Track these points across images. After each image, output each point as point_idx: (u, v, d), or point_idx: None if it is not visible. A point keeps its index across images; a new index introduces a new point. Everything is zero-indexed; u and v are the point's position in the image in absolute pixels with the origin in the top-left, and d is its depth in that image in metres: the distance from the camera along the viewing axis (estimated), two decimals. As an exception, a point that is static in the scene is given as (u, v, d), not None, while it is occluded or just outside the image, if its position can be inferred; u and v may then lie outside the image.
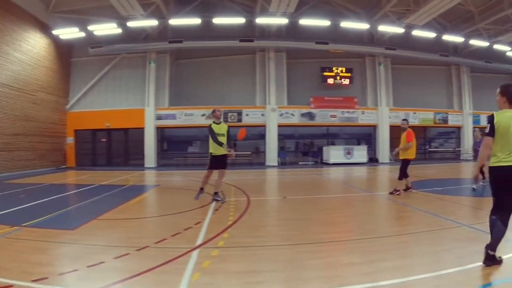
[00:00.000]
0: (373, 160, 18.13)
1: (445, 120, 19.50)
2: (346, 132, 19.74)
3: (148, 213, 5.92)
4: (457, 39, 18.28)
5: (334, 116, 17.46)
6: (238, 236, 3.92)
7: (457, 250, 3.25)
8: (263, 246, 3.57)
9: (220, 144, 5.98)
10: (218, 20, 15.88)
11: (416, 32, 17.11)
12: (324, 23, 16.15)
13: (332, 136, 19.29)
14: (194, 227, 4.24)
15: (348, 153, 16.90)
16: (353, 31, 17.27)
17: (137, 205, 6.44)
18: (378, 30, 17.05)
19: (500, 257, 2.81)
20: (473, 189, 6.90)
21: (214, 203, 5.95)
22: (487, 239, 2.92)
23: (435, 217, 4.75)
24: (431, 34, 17.51)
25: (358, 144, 19.30)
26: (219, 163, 6.20)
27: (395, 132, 17.44)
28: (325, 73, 17.71)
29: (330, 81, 17.70)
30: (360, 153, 17.24)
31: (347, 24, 16.25)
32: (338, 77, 17.79)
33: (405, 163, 6.84)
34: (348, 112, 17.62)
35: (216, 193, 6.29)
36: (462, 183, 8.54)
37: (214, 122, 6.17)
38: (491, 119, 2.77)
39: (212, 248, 3.42)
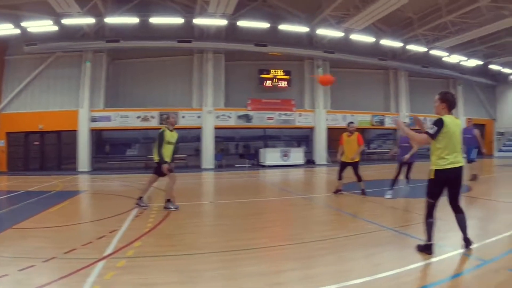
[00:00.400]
0: (310, 162, 18.62)
1: (382, 122, 20.28)
2: (284, 134, 20.24)
3: (65, 221, 5.61)
4: (396, 44, 18.99)
5: (271, 119, 17.71)
6: (150, 245, 3.82)
7: (376, 256, 3.22)
8: (173, 256, 3.41)
9: (161, 156, 5.63)
10: (156, 20, 15.64)
11: (355, 36, 17.60)
12: (263, 25, 16.41)
13: (269, 138, 19.64)
14: (108, 236, 4.08)
15: (285, 155, 17.15)
16: (292, 34, 17.54)
17: (56, 213, 6.16)
18: (318, 33, 17.27)
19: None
20: (390, 189, 6.75)
21: (136, 210, 5.77)
22: (411, 243, 3.15)
23: (362, 220, 4.81)
24: (370, 39, 18.13)
25: (299, 146, 19.35)
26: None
27: (332, 134, 18.41)
28: (263, 76, 17.95)
29: (268, 83, 17.94)
30: (297, 155, 17.54)
31: (286, 27, 16.41)
32: (275, 80, 18.06)
33: (356, 165, 6.88)
34: (285, 114, 17.88)
35: (168, 201, 5.95)
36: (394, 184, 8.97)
37: (167, 128, 5.83)
38: (440, 123, 2.90)
39: (120, 258, 3.31)
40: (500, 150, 24.71)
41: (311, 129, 18.78)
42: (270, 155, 17.05)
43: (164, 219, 5.09)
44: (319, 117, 18.43)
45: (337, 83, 19.50)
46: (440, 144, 2.97)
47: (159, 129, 6.19)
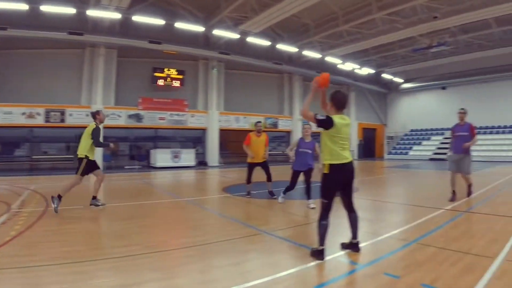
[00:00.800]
0: (202, 163, 24.02)
1: (275, 125, 28.32)
2: (176, 135, 25.82)
3: None
4: (291, 49, 26.37)
5: (162, 119, 22.96)
6: (9, 255, 4.37)
7: (247, 263, 4.07)
8: (26, 268, 3.94)
9: (101, 143, 7.46)
10: (46, 8, 18.69)
11: (252, 39, 23.79)
12: (159, 22, 20.02)
13: (161, 139, 24.93)
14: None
15: (176, 156, 22.04)
16: (188, 33, 22.59)
17: None
18: (214, 34, 22.80)
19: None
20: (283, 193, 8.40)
21: (4, 216, 6.64)
22: (285, 248, 4.34)
23: (241, 224, 6.03)
24: (266, 42, 23.91)
25: (191, 147, 25.19)
26: (93, 166, 7.50)
27: (225, 135, 25.26)
28: (157, 74, 23.12)
29: (161, 82, 23.18)
30: (188, 157, 22.59)
31: (182, 25, 20.72)
32: (169, 79, 23.45)
33: (266, 164, 9.07)
34: (177, 114, 23.42)
35: (95, 198, 7.54)
36: (280, 185, 9.81)
37: (96, 125, 7.43)
38: (330, 120, 4.20)
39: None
40: (390, 153, 36.29)
41: (204, 130, 24.57)
42: (161, 157, 21.60)
43: (31, 226, 5.87)
44: (212, 118, 24.33)
45: (231, 85, 26.72)
46: (330, 142, 4.22)
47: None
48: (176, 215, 7.58)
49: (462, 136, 8.63)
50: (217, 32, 22.13)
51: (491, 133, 33.22)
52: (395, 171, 19.78)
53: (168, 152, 22.63)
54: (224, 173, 14.75)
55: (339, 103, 4.56)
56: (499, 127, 33.17)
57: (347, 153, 4.38)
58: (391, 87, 40.28)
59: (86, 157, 7.42)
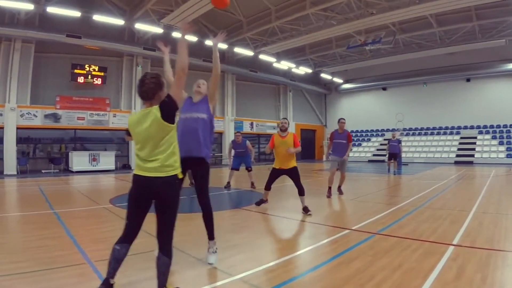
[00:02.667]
0: (126, 166, 25.42)
1: None
2: (100, 137, 26.88)
3: None
4: (221, 45, 27.74)
5: (82, 119, 23.99)
6: None
7: None
8: None
9: None
10: None
11: (177, 35, 23.73)
12: (74, 13, 20.85)
13: (80, 140, 25.95)
14: None
15: (94, 159, 22.74)
16: (111, 28, 23.28)
17: None
18: (138, 28, 24.49)
19: None
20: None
21: None
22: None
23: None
24: (192, 38, 24.97)
25: (114, 150, 26.37)
26: None
27: None
28: (76, 71, 23.99)
29: (81, 79, 24.05)
30: (107, 160, 23.38)
31: (101, 18, 21.81)
32: (90, 76, 24.40)
33: (296, 172, 8.56)
34: (97, 114, 24.58)
35: None
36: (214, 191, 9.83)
37: None
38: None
39: None
40: (330, 154, 42.61)
41: (127, 130, 28.91)
42: (78, 160, 22.22)
43: None
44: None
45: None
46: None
47: None
48: (19, 232, 6.89)
49: (340, 143, 11.09)
50: (140, 26, 23.78)
51: (431, 134, 37.39)
52: (324, 174, 20.43)
53: (86, 155, 23.41)
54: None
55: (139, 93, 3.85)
56: (440, 128, 37.36)
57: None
58: (331, 88, 44.42)
59: None
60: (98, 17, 22.18)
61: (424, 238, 5.78)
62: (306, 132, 40.54)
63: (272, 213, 8.55)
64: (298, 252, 5.38)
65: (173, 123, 3.55)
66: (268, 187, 8.81)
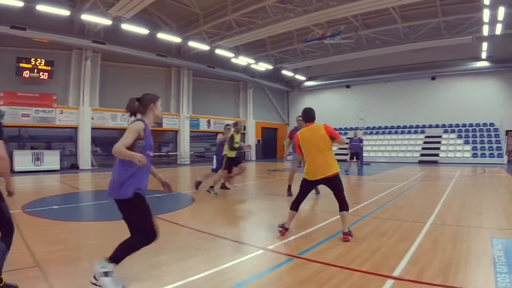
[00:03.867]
0: (73, 166, 25.82)
1: (159, 123, 31.21)
2: (44, 135, 27.20)
3: None
4: (174, 39, 28.43)
5: (27, 116, 24.01)
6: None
7: None
8: None
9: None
10: None
11: (127, 27, 25.03)
12: (17, 3, 20.65)
13: (24, 139, 26.34)
14: None
15: (37, 159, 22.93)
16: (59, 19, 23.36)
17: None
18: (88, 20, 24.96)
19: None
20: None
21: None
22: None
23: None
24: (143, 30, 25.99)
25: (59, 148, 26.75)
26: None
27: (96, 134, 27.61)
28: (22, 65, 24.11)
29: (26, 74, 24.11)
30: (52, 159, 23.59)
31: (45, 8, 21.67)
32: (35, 70, 24.49)
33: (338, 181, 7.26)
34: (43, 111, 24.63)
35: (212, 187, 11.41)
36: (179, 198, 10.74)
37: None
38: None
39: None
40: (290, 154, 43.81)
41: (75, 128, 26.28)
42: (20, 159, 22.35)
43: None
44: (84, 115, 26.06)
45: (108, 79, 30.05)
46: None
47: None
48: None
49: None
50: (86, 17, 23.75)
51: (396, 133, 39.47)
52: (279, 175, 21.15)
53: (28, 154, 23.58)
54: (85, 179, 15.52)
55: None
56: (404, 127, 39.45)
57: None
58: (294, 85, 46.14)
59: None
60: (41, 7, 21.97)
61: (355, 267, 4.85)
62: (267, 130, 42.08)
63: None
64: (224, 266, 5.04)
65: None
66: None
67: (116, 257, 4.16)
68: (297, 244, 6.21)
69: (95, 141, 29.33)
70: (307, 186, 6.71)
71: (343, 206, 6.47)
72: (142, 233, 4.30)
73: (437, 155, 33.54)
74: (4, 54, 25.31)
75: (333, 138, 6.71)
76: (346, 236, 6.28)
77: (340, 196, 6.51)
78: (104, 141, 31.62)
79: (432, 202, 10.33)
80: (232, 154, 12.19)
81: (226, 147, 12.20)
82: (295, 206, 6.65)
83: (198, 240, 6.48)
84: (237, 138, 11.96)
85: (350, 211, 7.33)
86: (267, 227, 7.46)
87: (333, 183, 6.53)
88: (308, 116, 6.92)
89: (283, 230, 6.68)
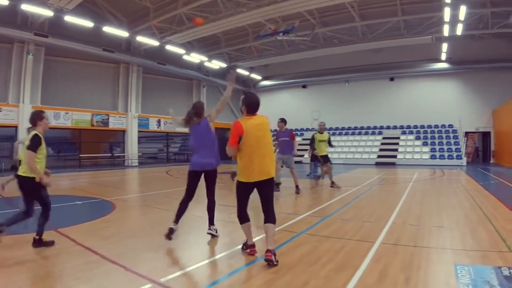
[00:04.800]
0: (14, 168, 28.39)
1: (105, 123, 31.74)
2: None
3: None
4: (121, 33, 28.69)
5: None
6: None
7: None
8: None
9: None
10: None
11: (71, 19, 25.05)
12: None
13: None
14: None
15: None
16: (1, 9, 22.84)
17: None
18: (29, 11, 24.55)
19: None
20: None
21: None
22: None
23: None
24: (87, 23, 26.11)
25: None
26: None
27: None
28: None
29: None
30: None
31: None
32: None
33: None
34: None
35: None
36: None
37: None
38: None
39: None
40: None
41: (15, 127, 25.73)
42: None
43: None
44: (24, 113, 25.29)
45: (52, 74, 29.92)
46: None
47: None
48: None
49: (285, 141, 13.67)
50: (27, 7, 23.33)
51: (353, 134, 40.69)
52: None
53: None
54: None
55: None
56: (361, 128, 40.81)
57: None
58: (250, 85, 46.94)
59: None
60: None
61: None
62: (222, 131, 42.40)
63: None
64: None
65: None
66: None
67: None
68: (201, 275, 5.28)
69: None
70: (246, 190, 5.80)
71: (272, 216, 5.72)
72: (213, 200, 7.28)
73: (394, 156, 34.34)
74: None
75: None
76: (269, 254, 5.32)
77: (271, 205, 5.74)
78: (46, 141, 31.35)
79: (385, 213, 9.28)
80: None
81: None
82: (243, 217, 5.83)
83: (86, 264, 5.48)
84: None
85: (281, 226, 7.37)
86: (183, 249, 6.55)
87: (269, 187, 5.79)
88: (255, 104, 5.98)
89: (250, 249, 5.90)
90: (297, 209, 10.79)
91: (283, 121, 13.95)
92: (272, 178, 5.74)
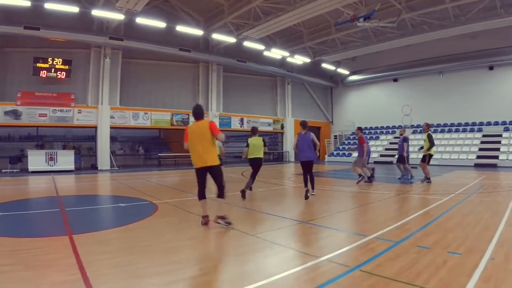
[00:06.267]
0: (93, 167, 26.74)
1: (185, 122, 31.63)
2: (67, 134, 29.06)
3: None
4: (195, 31, 28.92)
5: (44, 115, 25.15)
6: None
7: None
8: None
9: None
10: None
11: (144, 21, 25.88)
12: (24, 3, 21.76)
13: (42, 138, 27.99)
14: None
15: (51, 159, 23.64)
16: (71, 16, 24.16)
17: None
18: (97, 16, 24.79)
19: None
20: None
21: None
22: None
23: None
24: (159, 24, 26.55)
25: (74, 147, 28.17)
26: None
27: (118, 134, 29.17)
28: (39, 65, 25.36)
29: (43, 74, 25.35)
30: (66, 159, 24.34)
31: (54, 6, 22.70)
32: (53, 70, 25.66)
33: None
34: (61, 110, 25.68)
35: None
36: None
37: None
38: None
39: None
40: (331, 155, 40.64)
41: (94, 128, 27.24)
42: (34, 159, 23.22)
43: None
44: (103, 114, 26.88)
45: (131, 76, 30.78)
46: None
47: None
48: None
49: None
50: (97, 13, 24.08)
51: (449, 131, 37.07)
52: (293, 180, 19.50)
53: (42, 154, 24.47)
54: (104, 179, 15.83)
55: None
56: (459, 124, 37.18)
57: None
58: (337, 80, 45.51)
59: None
60: (52, 6, 22.87)
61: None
62: (311, 129, 41.06)
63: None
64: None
65: None
66: None
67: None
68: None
69: (116, 141, 29.71)
70: (197, 173, 8.21)
71: (220, 194, 8.17)
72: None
73: (496, 157, 30.13)
74: (21, 55, 26.80)
75: (213, 134, 8.10)
76: (216, 218, 8.13)
77: (217, 183, 8.19)
78: (127, 140, 32.09)
79: (480, 239, 6.80)
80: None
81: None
82: (201, 195, 8.32)
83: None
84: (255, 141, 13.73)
85: (356, 241, 6.89)
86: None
87: (212, 173, 8.08)
88: (196, 114, 8.42)
89: (205, 219, 8.31)
90: (369, 225, 8.79)
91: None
92: (213, 165, 8.03)
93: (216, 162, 8.09)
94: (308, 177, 12.38)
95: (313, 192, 12.55)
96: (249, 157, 13.54)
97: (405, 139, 18.70)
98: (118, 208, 10.94)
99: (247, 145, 13.75)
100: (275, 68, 37.83)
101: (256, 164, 13.35)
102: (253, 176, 13.32)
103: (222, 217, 7.99)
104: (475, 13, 27.63)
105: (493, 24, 28.13)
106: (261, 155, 13.34)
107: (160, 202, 11.51)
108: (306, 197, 11.95)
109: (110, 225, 8.82)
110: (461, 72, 36.40)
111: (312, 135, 12.47)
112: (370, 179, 16.86)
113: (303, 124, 12.81)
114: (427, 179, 16.53)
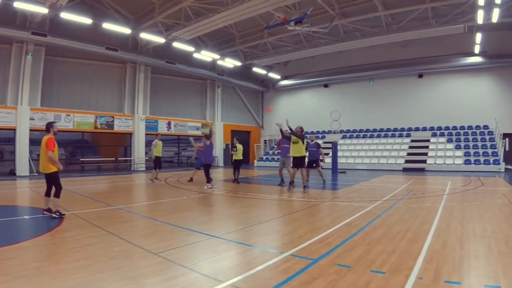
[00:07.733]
0: (11, 172, 25.42)
1: (110, 125, 31.31)
2: None
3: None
4: (123, 29, 28.11)
5: None
6: None
7: None
8: None
9: None
10: None
11: (68, 16, 24.90)
12: None
13: None
14: None
15: None
16: (2, 11, 22.77)
17: None
18: (26, 10, 23.85)
19: None
20: None
21: None
22: None
23: None
24: (85, 20, 25.54)
25: None
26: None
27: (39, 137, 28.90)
28: None
29: None
30: None
31: None
32: None
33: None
34: None
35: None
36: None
37: None
38: None
39: None
40: (260, 159, 41.62)
41: (13, 130, 25.69)
42: None
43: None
44: (22, 115, 25.65)
45: (54, 75, 29.59)
46: None
47: None
48: None
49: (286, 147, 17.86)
50: (19, 5, 22.70)
51: (378, 136, 38.70)
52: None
53: None
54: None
55: None
56: (388, 130, 38.86)
57: None
58: (269, 85, 46.26)
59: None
60: None
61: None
62: (238, 133, 41.32)
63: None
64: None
65: None
66: None
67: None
68: None
69: (36, 144, 28.62)
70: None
71: (55, 193, 10.02)
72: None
73: (424, 161, 32.04)
74: None
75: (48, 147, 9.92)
76: (50, 212, 10.09)
77: (53, 187, 10.12)
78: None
79: (405, 258, 6.26)
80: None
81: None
82: (47, 193, 10.30)
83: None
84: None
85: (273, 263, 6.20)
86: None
87: (47, 179, 10.12)
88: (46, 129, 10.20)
89: (51, 213, 10.07)
90: (287, 239, 8.18)
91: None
92: (46, 173, 9.98)
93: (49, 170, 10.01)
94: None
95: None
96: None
97: (319, 145, 20.71)
98: (21, 221, 9.94)
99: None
100: (205, 70, 37.84)
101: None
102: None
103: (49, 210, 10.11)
104: (407, 22, 28.80)
105: (424, 34, 29.55)
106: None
107: (69, 213, 10.59)
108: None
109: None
110: (392, 79, 38.04)
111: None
112: (282, 183, 18.46)
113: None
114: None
